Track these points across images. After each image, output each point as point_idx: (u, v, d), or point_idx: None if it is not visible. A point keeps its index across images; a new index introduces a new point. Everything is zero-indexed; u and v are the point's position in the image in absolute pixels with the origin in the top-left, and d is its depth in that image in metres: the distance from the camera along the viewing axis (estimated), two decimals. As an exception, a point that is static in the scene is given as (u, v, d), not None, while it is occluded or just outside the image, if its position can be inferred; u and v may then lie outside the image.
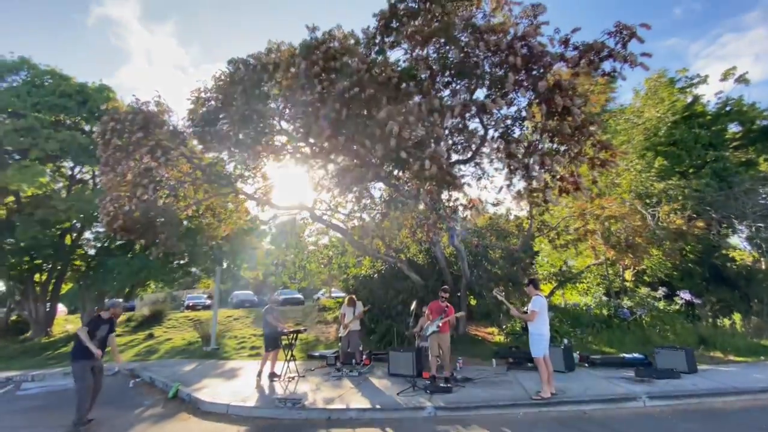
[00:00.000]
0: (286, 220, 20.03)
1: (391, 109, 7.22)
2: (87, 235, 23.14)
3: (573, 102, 7.05)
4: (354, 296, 11.02)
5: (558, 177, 7.97)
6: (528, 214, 15.56)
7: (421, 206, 11.71)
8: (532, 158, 7.66)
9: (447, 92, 8.37)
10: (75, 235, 22.06)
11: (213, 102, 12.26)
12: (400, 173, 9.44)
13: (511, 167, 8.60)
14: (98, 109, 19.22)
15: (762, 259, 17.77)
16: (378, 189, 13.97)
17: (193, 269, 24.01)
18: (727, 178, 17.48)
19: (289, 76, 9.73)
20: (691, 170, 18.31)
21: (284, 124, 12.37)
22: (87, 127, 20.23)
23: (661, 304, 13.69)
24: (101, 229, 21.44)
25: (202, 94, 12.53)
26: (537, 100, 7.37)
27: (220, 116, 12.18)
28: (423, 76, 7.55)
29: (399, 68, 7.89)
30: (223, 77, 12.25)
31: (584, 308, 14.90)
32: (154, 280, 23.35)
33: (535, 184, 8.47)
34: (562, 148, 7.95)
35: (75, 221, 20.27)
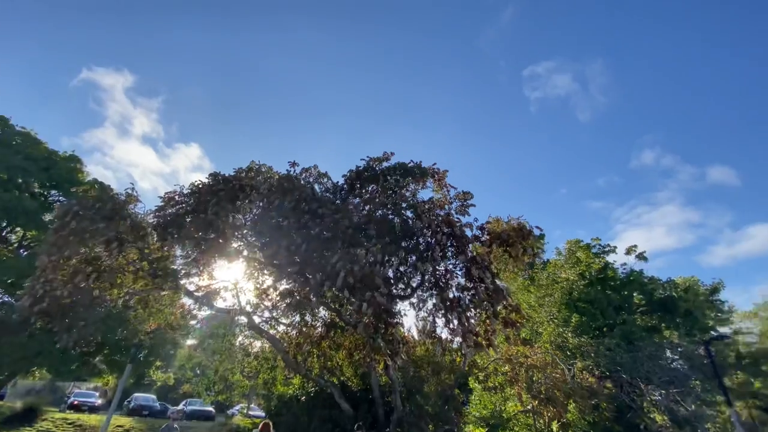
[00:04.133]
0: (219, 322, 20.01)
1: (343, 255, 9.15)
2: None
3: (485, 274, 9.41)
4: (270, 423, 11.19)
5: (474, 333, 9.88)
6: (461, 351, 17.12)
7: (360, 330, 12.99)
8: (454, 313, 9.62)
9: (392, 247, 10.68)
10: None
11: (185, 206, 13.84)
12: (345, 305, 10.98)
13: (445, 310, 10.49)
14: (61, 177, 20.01)
15: (669, 425, 19.90)
16: (322, 310, 15.20)
17: (97, 359, 21.95)
18: (635, 341, 20.60)
19: (262, 203, 11.77)
20: (604, 329, 21.45)
21: (249, 238, 13.97)
22: (38, 192, 20.59)
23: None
24: (5, 298, 19.93)
25: (176, 197, 14.16)
26: (459, 267, 9.70)
27: (188, 219, 13.65)
28: (372, 232, 9.80)
29: (355, 221, 10.17)
30: (201, 186, 14.12)
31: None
32: (47, 368, 20.94)
33: (460, 329, 10.29)
34: (478, 310, 10.07)
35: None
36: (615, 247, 25.07)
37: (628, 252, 24.77)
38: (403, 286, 11.75)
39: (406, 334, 11.68)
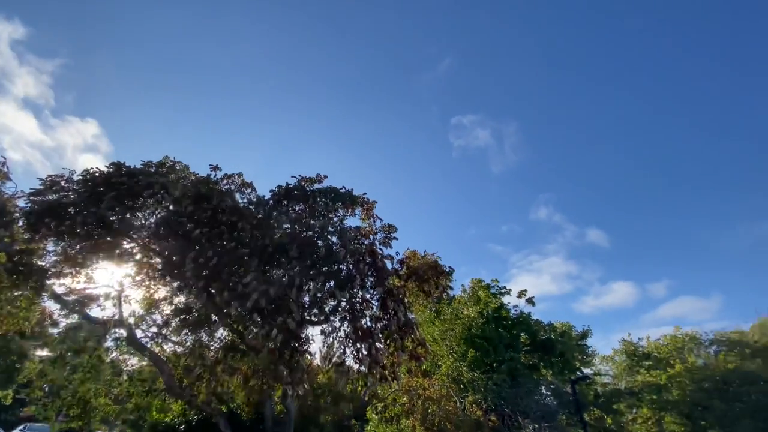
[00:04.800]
0: (89, 334, 17.09)
1: (259, 275, 8.68)
2: None
3: (399, 307, 9.71)
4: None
5: (381, 365, 10.01)
6: (366, 382, 17.08)
7: (263, 356, 12.21)
8: (365, 343, 9.65)
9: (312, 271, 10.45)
10: None
11: (72, 194, 11.86)
12: (251, 327, 10.30)
13: (356, 339, 10.42)
14: None
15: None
16: (222, 331, 14.04)
17: None
18: (518, 378, 22.76)
19: (172, 205, 10.68)
20: (494, 364, 23.35)
21: (148, 242, 12.46)
22: None
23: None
24: None
25: (62, 182, 12.09)
26: (376, 298, 9.86)
27: (74, 210, 11.70)
28: (294, 254, 9.50)
29: (277, 240, 9.78)
30: (98, 175, 12.30)
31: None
32: None
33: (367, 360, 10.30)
34: (388, 341, 10.27)
35: None
36: (510, 289, 27.89)
37: (520, 295, 27.68)
38: (317, 311, 11.48)
39: (311, 361, 11.33)
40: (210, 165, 12.66)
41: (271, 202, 10.77)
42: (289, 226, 10.21)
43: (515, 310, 27.06)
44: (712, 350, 34.02)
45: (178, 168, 13.87)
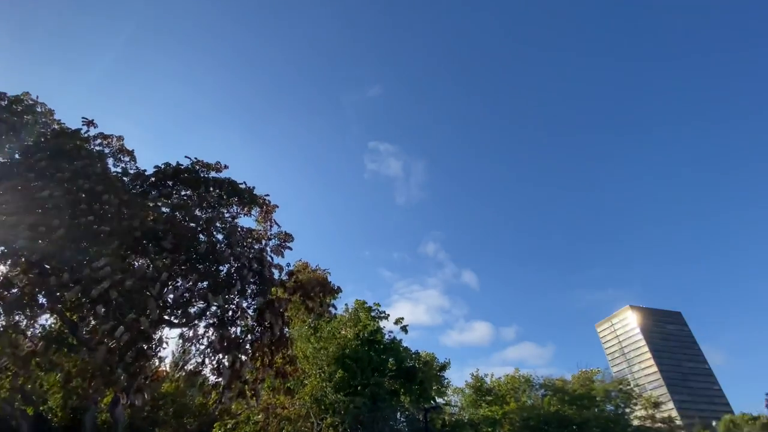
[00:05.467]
0: None
1: (116, 260, 7.39)
2: None
3: (277, 321, 9.20)
4: None
5: (243, 380, 9.26)
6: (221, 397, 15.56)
7: (98, 355, 10.27)
8: (229, 355, 8.83)
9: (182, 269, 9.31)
10: None
11: None
12: (90, 320, 8.62)
13: (221, 350, 9.42)
14: None
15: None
16: (49, 318, 11.52)
17: None
18: (379, 402, 23.35)
19: (19, 152, 8.58)
20: (359, 387, 23.63)
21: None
22: None
23: None
24: None
25: None
26: (253, 308, 9.19)
27: None
28: (167, 245, 8.34)
29: (149, 225, 8.50)
30: None
31: None
32: None
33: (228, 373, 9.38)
34: (258, 354, 9.60)
35: None
36: (388, 315, 28.93)
37: (397, 322, 28.90)
38: (180, 313, 10.15)
39: (158, 367, 9.93)
40: (83, 118, 10.57)
41: (153, 179, 9.39)
42: (168, 211, 8.97)
43: (389, 336, 28.06)
44: (540, 393, 39.97)
45: (39, 110, 11.32)
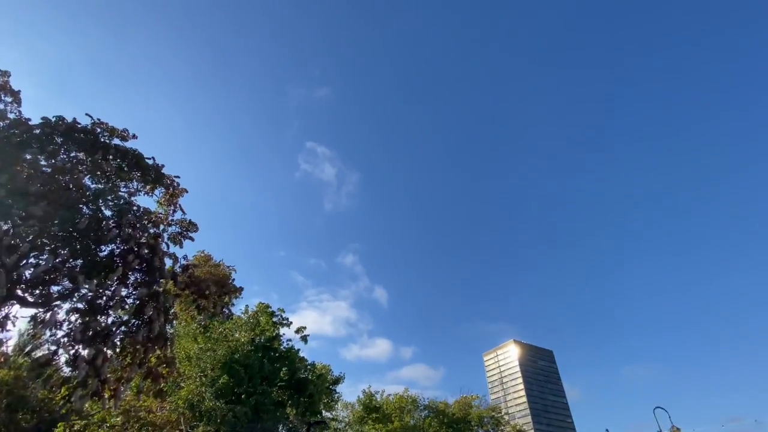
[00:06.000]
0: None
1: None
2: None
3: (159, 317, 8.27)
4: None
5: (102, 379, 8.07)
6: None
7: None
8: (92, 349, 7.66)
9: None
10: None
11: None
12: None
13: (83, 340, 8.09)
14: None
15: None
16: None
17: None
18: (262, 413, 22.13)
19: None
20: (243, 395, 22.20)
21: None
22: None
23: None
24: None
25: None
26: (133, 297, 8.15)
27: None
28: (38, 211, 7.01)
29: (21, 183, 7.12)
30: None
31: None
32: None
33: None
34: (128, 350, 8.49)
35: None
36: (291, 322, 27.93)
37: (298, 331, 27.99)
38: (38, 292, 8.55)
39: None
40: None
41: (38, 132, 7.95)
42: (49, 170, 7.60)
43: (287, 344, 27.04)
44: (424, 414, 41.64)
45: None
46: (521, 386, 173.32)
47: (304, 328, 28.17)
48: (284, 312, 27.88)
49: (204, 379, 18.75)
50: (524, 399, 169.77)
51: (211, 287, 9.40)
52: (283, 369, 26.26)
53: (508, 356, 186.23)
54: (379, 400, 39.69)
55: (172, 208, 9.83)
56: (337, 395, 38.06)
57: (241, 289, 21.47)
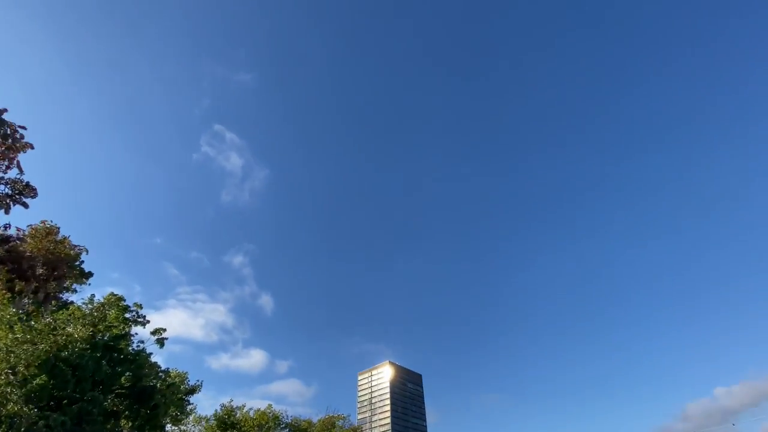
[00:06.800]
0: None
1: None
2: None
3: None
4: None
5: None
6: None
7: None
8: None
9: None
10: None
11: None
12: None
13: None
14: None
15: None
16: None
17: None
18: (86, 424, 18.64)
19: None
20: (65, 401, 18.55)
21: None
22: None
23: None
24: None
25: None
26: None
27: None
28: None
29: None
30: None
31: None
32: None
33: None
34: None
35: None
36: (149, 321, 24.59)
37: (155, 332, 24.70)
38: None
39: None
40: None
41: None
42: None
43: (138, 346, 23.68)
44: (287, 431, 39.91)
45: None
46: (388, 407, 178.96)
47: (164, 329, 25.10)
48: (142, 308, 24.61)
49: (12, 377, 15.20)
50: (389, 420, 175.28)
51: (37, 267, 7.84)
52: (126, 374, 22.85)
53: (382, 377, 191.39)
54: (238, 416, 36.87)
55: (7, 162, 8.05)
56: (190, 407, 34.33)
57: (90, 274, 18.31)
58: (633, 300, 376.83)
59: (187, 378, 29.60)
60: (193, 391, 32.02)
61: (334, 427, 42.16)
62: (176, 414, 31.58)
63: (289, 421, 39.86)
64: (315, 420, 42.79)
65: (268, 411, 38.03)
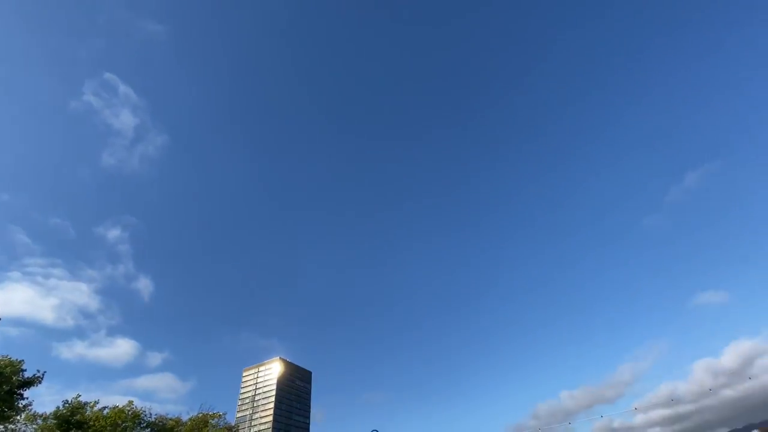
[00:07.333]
0: None
1: None
2: None
3: None
4: None
5: None
6: None
7: None
8: None
9: None
10: None
11: None
12: None
13: None
14: None
15: None
16: None
17: None
18: None
19: None
20: None
21: None
22: None
23: None
24: None
25: None
26: None
27: None
28: None
29: None
30: None
31: None
32: None
33: None
34: None
35: None
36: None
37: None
38: None
39: None
40: None
41: None
42: None
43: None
44: (148, 430, 35.97)
45: None
46: (272, 405, 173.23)
47: (-2, 308, 20.74)
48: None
49: None
50: (271, 418, 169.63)
51: None
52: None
53: (270, 374, 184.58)
54: (88, 413, 32.10)
55: None
56: (24, 403, 28.91)
57: None
58: (500, 309, 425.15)
59: (22, 368, 25.02)
60: (29, 383, 27.10)
61: (207, 426, 39.35)
62: (5, 410, 26.55)
63: (153, 419, 36.06)
64: (186, 418, 39.47)
65: (128, 408, 33.91)
